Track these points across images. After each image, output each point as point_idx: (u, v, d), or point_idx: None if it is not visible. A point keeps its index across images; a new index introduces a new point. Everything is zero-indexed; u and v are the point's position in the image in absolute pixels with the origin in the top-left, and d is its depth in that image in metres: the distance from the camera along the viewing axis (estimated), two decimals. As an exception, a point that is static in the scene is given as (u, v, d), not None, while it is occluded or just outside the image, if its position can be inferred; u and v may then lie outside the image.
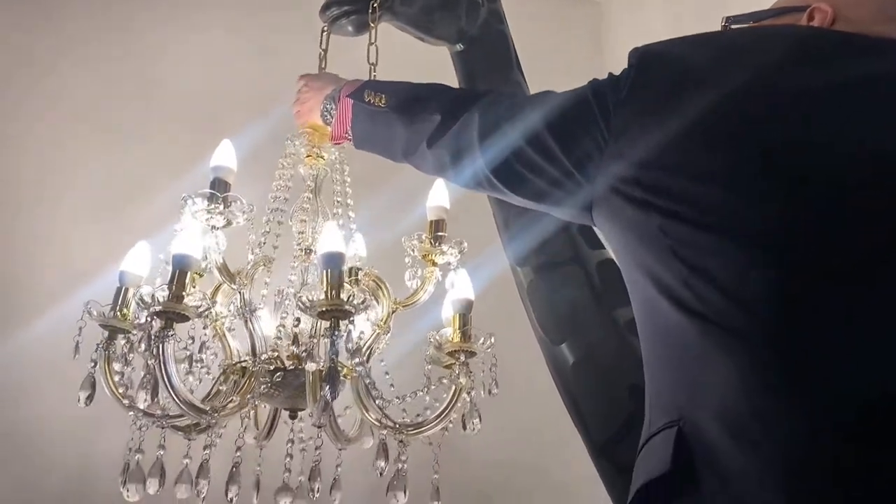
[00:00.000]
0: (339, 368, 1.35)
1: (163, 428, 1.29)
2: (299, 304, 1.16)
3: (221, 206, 1.27)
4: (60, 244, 2.13)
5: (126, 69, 2.42)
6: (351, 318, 1.15)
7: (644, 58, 0.94)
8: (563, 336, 1.56)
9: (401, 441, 1.34)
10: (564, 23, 2.92)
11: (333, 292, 1.16)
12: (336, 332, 1.14)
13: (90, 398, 1.26)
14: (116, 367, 1.27)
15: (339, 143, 1.45)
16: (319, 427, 1.20)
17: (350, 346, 1.18)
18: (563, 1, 2.96)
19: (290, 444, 1.42)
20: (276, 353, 1.33)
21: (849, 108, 0.83)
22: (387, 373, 1.51)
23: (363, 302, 1.18)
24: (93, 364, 1.28)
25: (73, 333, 1.27)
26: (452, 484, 2.00)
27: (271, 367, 1.32)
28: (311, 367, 1.19)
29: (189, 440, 1.37)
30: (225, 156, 1.34)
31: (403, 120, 1.22)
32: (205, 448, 1.33)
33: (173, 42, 2.54)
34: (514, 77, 1.74)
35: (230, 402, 1.27)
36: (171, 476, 1.29)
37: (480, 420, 1.32)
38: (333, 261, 1.19)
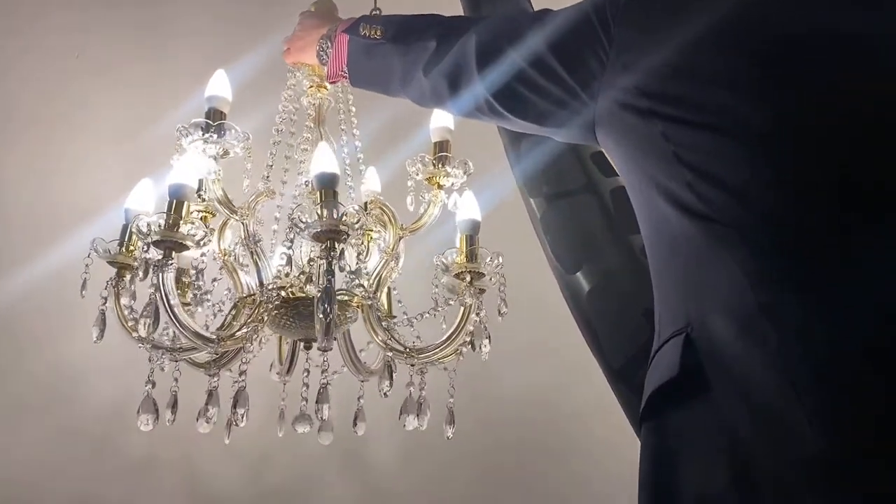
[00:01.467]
0: (348, 296, 1.36)
1: (176, 361, 1.31)
2: (294, 225, 1.15)
3: (216, 136, 1.26)
4: (72, 178, 2.14)
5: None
6: (344, 238, 1.12)
7: None
8: (577, 264, 1.54)
9: (413, 366, 1.34)
10: None
11: (327, 213, 1.14)
12: (332, 253, 1.13)
13: (101, 335, 1.27)
14: (125, 301, 1.28)
15: (334, 83, 1.43)
16: (325, 351, 1.18)
17: (347, 266, 1.17)
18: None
19: (305, 374, 1.41)
20: (282, 283, 1.32)
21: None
22: (399, 301, 1.50)
23: (357, 222, 1.15)
24: (103, 301, 1.29)
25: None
26: (478, 410, 2.01)
27: (278, 297, 1.31)
28: (312, 290, 1.17)
29: (210, 375, 1.39)
30: (219, 85, 1.32)
31: (399, 50, 1.17)
32: (212, 376, 1.33)
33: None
34: (521, 4, 1.70)
35: (237, 330, 1.27)
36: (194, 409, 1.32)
37: (490, 341, 1.29)
38: (327, 180, 1.17)
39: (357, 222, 1.15)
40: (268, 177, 1.40)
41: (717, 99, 0.81)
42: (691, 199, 0.79)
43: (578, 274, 1.54)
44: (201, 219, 1.40)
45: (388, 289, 1.55)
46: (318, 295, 1.11)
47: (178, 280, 1.46)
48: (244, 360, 1.39)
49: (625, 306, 1.50)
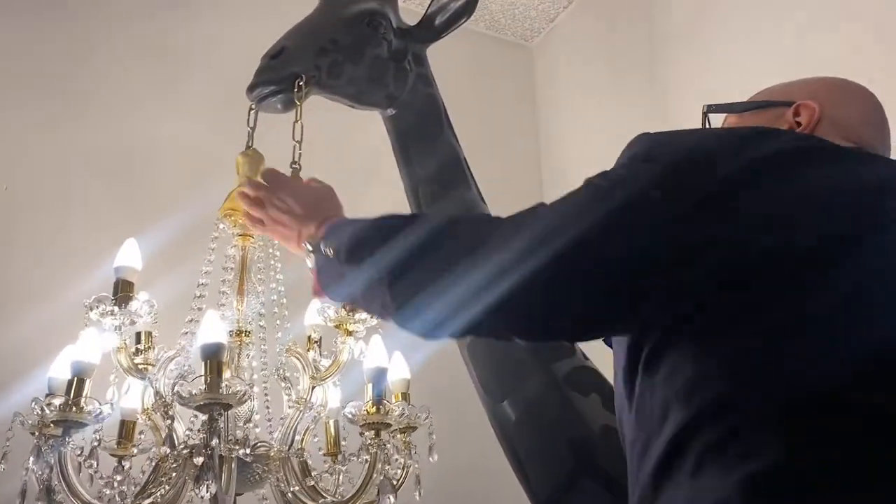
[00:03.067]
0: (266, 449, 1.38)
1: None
2: (177, 398, 1.17)
3: (118, 308, 1.31)
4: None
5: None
6: (219, 414, 1.14)
7: (669, 154, 0.81)
8: (504, 393, 1.55)
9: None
10: (497, 67, 2.89)
11: (213, 385, 1.17)
12: (214, 424, 1.15)
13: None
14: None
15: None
16: (220, 517, 1.20)
17: (239, 434, 1.18)
18: (495, 47, 2.92)
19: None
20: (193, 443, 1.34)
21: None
22: (320, 449, 1.51)
23: (244, 395, 1.17)
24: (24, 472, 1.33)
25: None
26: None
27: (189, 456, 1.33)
28: (198, 460, 1.19)
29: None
30: (128, 255, 1.38)
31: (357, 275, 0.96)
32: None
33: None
34: (445, 138, 1.77)
35: (150, 492, 1.29)
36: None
37: (395, 496, 1.28)
38: (212, 351, 1.19)
39: (243, 395, 1.17)
40: (186, 333, 1.44)
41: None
42: None
43: (505, 403, 1.55)
44: (144, 368, 1.46)
45: (336, 423, 1.57)
46: (200, 466, 1.13)
47: (122, 431, 1.53)
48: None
49: (549, 437, 1.50)
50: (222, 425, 1.18)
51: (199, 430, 1.31)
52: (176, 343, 1.45)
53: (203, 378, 1.18)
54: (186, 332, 1.43)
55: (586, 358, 1.56)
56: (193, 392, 1.17)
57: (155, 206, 2.00)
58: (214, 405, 1.15)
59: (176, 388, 1.17)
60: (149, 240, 1.53)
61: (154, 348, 1.45)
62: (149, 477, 1.40)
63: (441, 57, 1.88)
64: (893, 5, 1.75)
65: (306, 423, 1.42)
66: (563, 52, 2.80)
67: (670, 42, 2.25)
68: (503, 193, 1.83)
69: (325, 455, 1.55)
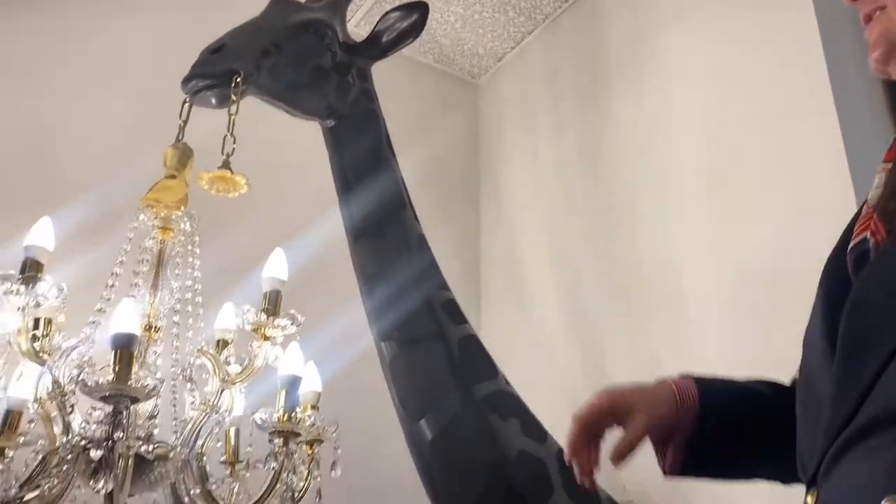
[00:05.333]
0: (164, 450, 1.32)
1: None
2: (81, 386, 1.12)
3: (25, 288, 1.24)
4: None
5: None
6: (126, 406, 1.10)
7: None
8: (421, 412, 1.53)
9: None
10: (443, 100, 2.93)
11: (122, 376, 1.12)
12: (119, 417, 1.10)
13: None
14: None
15: None
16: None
17: (140, 432, 1.14)
18: (443, 81, 2.97)
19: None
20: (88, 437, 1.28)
21: None
22: (221, 456, 1.47)
23: (154, 389, 1.13)
24: None
25: None
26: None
27: (83, 451, 1.27)
28: (95, 454, 1.14)
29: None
30: (40, 235, 1.31)
31: None
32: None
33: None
34: (384, 155, 1.76)
35: (29, 492, 1.22)
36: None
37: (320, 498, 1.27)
38: (123, 341, 1.15)
39: (153, 389, 1.13)
40: (93, 322, 1.38)
41: None
42: None
43: (422, 422, 1.53)
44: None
45: (237, 431, 1.53)
46: (99, 460, 1.08)
47: (7, 421, 1.44)
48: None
49: (464, 458, 1.50)
50: (126, 420, 1.12)
51: (98, 423, 1.26)
52: (80, 332, 1.39)
53: (111, 368, 1.13)
54: (93, 321, 1.37)
55: (508, 383, 1.57)
56: (100, 381, 1.12)
57: (68, 189, 1.92)
58: (121, 397, 1.11)
59: (81, 375, 1.11)
60: (59, 223, 1.47)
61: (52, 336, 1.38)
62: (34, 469, 1.33)
63: (387, 85, 1.89)
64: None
65: (210, 427, 1.38)
66: (508, 92, 2.85)
67: (610, 87, 2.32)
68: (441, 223, 1.85)
69: (223, 463, 1.50)
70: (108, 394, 1.11)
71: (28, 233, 1.32)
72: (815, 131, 1.67)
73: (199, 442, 1.37)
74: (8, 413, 1.42)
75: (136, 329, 1.17)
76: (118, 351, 1.14)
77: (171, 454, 1.32)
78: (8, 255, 1.41)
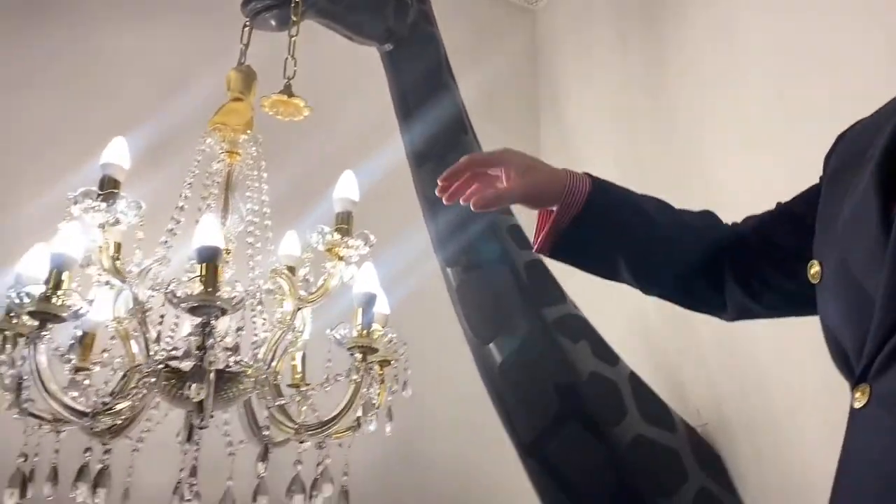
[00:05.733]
0: (242, 368, 1.33)
1: (58, 432, 1.28)
2: (171, 298, 1.13)
3: (106, 205, 1.25)
4: None
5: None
6: (216, 316, 1.10)
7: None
8: (491, 335, 1.54)
9: (302, 442, 1.31)
10: (500, 28, 2.86)
11: (208, 287, 1.12)
12: (207, 329, 1.11)
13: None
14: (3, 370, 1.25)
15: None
16: (201, 428, 1.16)
17: (227, 341, 1.15)
18: (498, 9, 2.90)
19: (196, 448, 1.38)
20: (169, 354, 1.30)
21: None
22: (299, 373, 1.48)
23: (240, 301, 1.13)
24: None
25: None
26: (410, 489, 1.97)
27: (165, 368, 1.28)
28: (185, 364, 1.15)
29: (104, 444, 1.35)
30: (116, 153, 1.31)
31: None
32: (104, 453, 1.30)
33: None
34: (443, 79, 1.74)
35: (116, 403, 1.24)
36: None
37: (391, 418, 1.28)
38: (209, 254, 1.15)
39: (238, 302, 1.13)
40: (166, 242, 1.38)
41: None
42: None
43: (491, 345, 1.54)
44: (106, 283, 1.39)
45: (304, 356, 1.54)
46: (189, 372, 1.09)
47: (81, 343, 1.45)
48: (145, 429, 1.36)
49: (535, 379, 1.50)
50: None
51: (183, 339, 1.27)
52: (151, 252, 1.40)
53: (198, 281, 1.13)
54: (166, 241, 1.38)
55: (576, 308, 1.57)
56: (189, 293, 1.12)
57: (132, 114, 1.91)
58: (210, 307, 1.11)
59: (171, 286, 1.12)
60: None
61: (132, 254, 1.39)
62: (115, 387, 1.35)
63: (443, 15, 1.85)
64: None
65: (284, 346, 1.38)
66: (567, 17, 2.75)
67: (676, 9, 2.22)
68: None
69: (289, 386, 1.51)
70: (197, 304, 1.11)
71: (102, 152, 1.31)
72: (889, 63, 1.62)
73: (274, 362, 1.38)
74: (84, 335, 1.45)
75: (220, 242, 1.16)
76: (205, 263, 1.14)
77: (249, 371, 1.33)
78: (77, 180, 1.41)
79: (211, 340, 1.09)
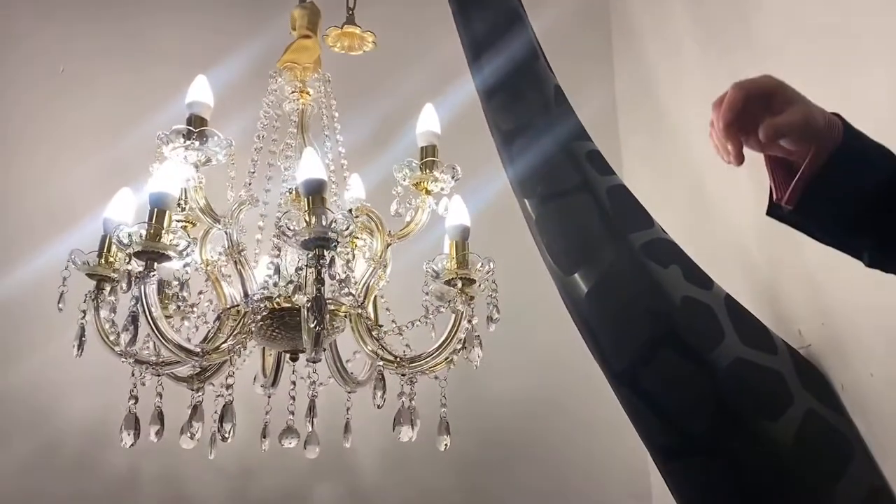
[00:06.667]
0: (335, 305, 1.33)
1: (158, 375, 1.27)
2: (282, 233, 1.11)
3: (198, 143, 1.22)
4: (48, 188, 2.10)
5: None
6: (334, 246, 1.09)
7: None
8: (575, 265, 1.49)
9: (404, 375, 1.30)
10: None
11: (316, 220, 1.11)
12: (321, 262, 1.09)
13: (81, 349, 1.23)
14: (105, 314, 1.23)
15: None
16: (314, 362, 1.15)
17: (337, 275, 1.14)
18: None
19: (293, 387, 1.38)
20: (268, 293, 1.29)
21: None
22: (388, 309, 1.47)
23: (347, 229, 1.12)
24: (82, 314, 1.25)
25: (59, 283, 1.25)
26: (469, 419, 1.98)
27: (264, 308, 1.27)
28: (300, 299, 1.14)
29: (192, 390, 1.35)
30: (200, 91, 1.29)
31: None
32: (196, 390, 1.29)
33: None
34: (512, 3, 1.66)
35: (222, 342, 1.23)
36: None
37: (482, 348, 1.26)
38: (314, 187, 1.13)
39: (347, 229, 1.12)
40: (250, 184, 1.37)
41: None
42: None
43: (576, 275, 1.49)
44: (182, 228, 1.37)
45: (375, 297, 1.52)
46: (308, 305, 1.08)
47: (160, 292, 1.43)
48: (230, 374, 1.35)
49: (625, 306, 1.46)
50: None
51: (282, 278, 1.26)
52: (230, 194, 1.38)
53: (306, 214, 1.12)
54: (249, 183, 1.36)
55: (665, 232, 1.52)
56: (297, 227, 1.10)
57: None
58: (322, 240, 1.09)
59: (283, 221, 1.10)
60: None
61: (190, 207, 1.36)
62: (209, 333, 1.34)
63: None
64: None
65: (374, 282, 1.38)
66: None
67: None
68: (573, 85, 1.74)
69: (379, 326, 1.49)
70: (309, 237, 1.10)
71: (187, 91, 1.28)
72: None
73: (365, 300, 1.37)
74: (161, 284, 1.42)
75: (323, 175, 1.15)
76: (310, 196, 1.13)
77: (342, 310, 1.33)
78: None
79: (326, 272, 1.07)
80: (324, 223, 1.10)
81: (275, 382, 1.50)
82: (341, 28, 1.54)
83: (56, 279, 1.24)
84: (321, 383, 1.45)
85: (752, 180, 1.58)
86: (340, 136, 1.49)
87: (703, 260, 1.50)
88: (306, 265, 1.11)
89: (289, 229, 1.10)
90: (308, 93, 1.49)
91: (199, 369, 1.32)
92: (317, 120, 1.51)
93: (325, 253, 1.10)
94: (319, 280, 1.08)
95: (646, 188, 1.83)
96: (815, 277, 1.47)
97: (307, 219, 1.11)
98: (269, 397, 1.51)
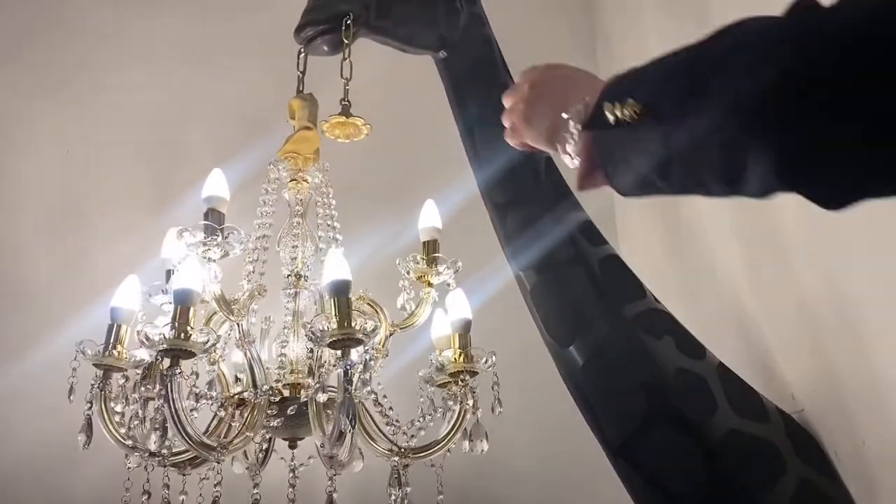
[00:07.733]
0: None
1: (164, 466, 1.27)
2: (309, 333, 1.15)
3: (218, 239, 1.25)
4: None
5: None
6: (359, 346, 1.14)
7: None
8: (570, 338, 1.52)
9: (400, 463, 1.34)
10: (555, 14, 2.85)
11: (344, 321, 1.15)
12: (349, 362, 1.14)
13: (89, 441, 1.22)
14: (116, 407, 1.23)
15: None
16: (331, 457, 1.18)
17: (364, 375, 1.18)
18: None
19: (291, 474, 1.40)
20: (277, 384, 1.32)
21: None
22: (385, 396, 1.51)
23: (374, 330, 1.17)
24: (88, 405, 1.24)
25: (58, 371, 1.24)
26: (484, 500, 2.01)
27: (274, 398, 1.30)
28: (322, 397, 1.18)
29: (183, 475, 1.35)
30: (217, 185, 1.31)
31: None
32: (185, 475, 1.30)
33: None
34: (501, 79, 1.71)
35: (240, 437, 1.25)
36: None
37: (488, 439, 1.33)
38: (341, 288, 1.18)
39: (373, 330, 1.17)
40: (262, 274, 1.39)
41: None
42: None
43: (571, 348, 1.52)
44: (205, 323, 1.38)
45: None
46: (338, 404, 1.12)
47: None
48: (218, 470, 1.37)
49: (620, 380, 1.49)
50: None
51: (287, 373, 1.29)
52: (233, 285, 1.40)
53: (330, 314, 1.16)
54: (262, 274, 1.39)
55: (657, 301, 1.56)
56: (323, 328, 1.15)
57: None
58: (349, 341, 1.14)
59: (312, 323, 1.14)
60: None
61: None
62: (209, 425, 1.34)
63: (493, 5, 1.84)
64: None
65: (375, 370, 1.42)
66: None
67: None
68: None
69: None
70: (337, 338, 1.14)
71: (204, 184, 1.31)
72: None
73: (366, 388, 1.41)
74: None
75: (348, 276, 1.19)
76: (336, 298, 1.17)
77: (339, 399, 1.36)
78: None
79: (356, 375, 1.12)
80: (350, 324, 1.15)
81: (263, 464, 1.51)
82: (336, 117, 1.59)
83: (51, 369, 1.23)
84: (302, 464, 1.47)
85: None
86: (337, 223, 1.53)
87: (698, 324, 1.54)
88: (333, 365, 1.16)
89: (318, 331, 1.14)
90: (307, 181, 1.53)
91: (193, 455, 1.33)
92: (315, 208, 1.54)
93: (351, 353, 1.15)
94: (348, 381, 1.13)
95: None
96: (809, 340, 1.50)
97: (334, 320, 1.15)
98: (256, 480, 1.52)
